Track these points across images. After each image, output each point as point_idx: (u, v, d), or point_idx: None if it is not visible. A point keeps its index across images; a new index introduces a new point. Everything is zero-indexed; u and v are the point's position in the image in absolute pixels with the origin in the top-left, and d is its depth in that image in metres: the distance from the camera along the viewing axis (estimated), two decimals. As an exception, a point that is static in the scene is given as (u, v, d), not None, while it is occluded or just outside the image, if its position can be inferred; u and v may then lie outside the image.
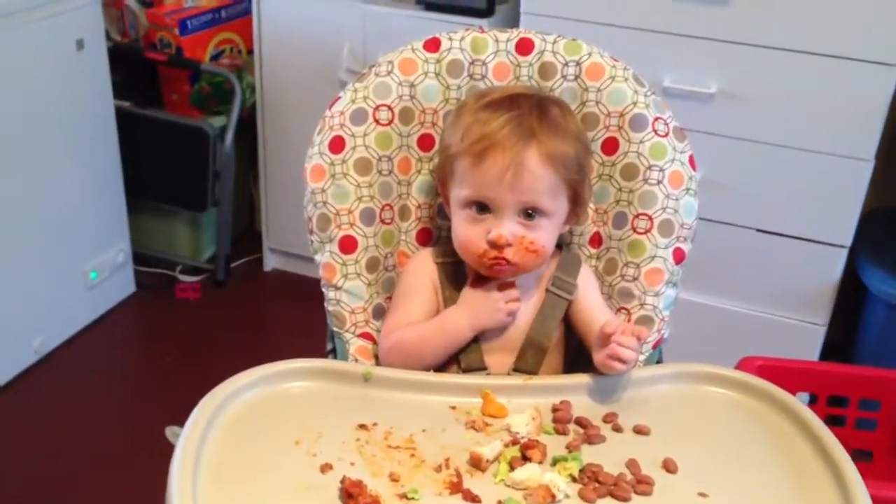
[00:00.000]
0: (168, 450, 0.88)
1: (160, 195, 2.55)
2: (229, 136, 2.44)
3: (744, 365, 1.59)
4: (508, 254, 1.07)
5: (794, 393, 1.06)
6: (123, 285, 2.48)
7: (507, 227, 1.07)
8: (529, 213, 1.08)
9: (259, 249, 2.67)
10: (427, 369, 1.11)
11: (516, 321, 1.14)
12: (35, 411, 2.05)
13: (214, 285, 2.57)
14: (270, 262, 2.68)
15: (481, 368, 1.12)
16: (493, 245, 1.07)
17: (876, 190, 1.95)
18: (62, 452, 1.92)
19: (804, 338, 1.99)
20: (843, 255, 1.92)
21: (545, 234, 1.09)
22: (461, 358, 1.12)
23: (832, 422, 1.59)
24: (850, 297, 2.02)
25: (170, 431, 1.90)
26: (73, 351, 2.27)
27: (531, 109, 1.08)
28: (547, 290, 1.15)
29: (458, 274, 1.16)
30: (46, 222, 2.17)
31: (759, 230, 1.96)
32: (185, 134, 2.45)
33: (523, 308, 1.14)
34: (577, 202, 1.13)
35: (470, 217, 1.09)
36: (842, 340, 2.10)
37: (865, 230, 1.96)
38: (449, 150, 1.11)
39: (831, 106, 1.82)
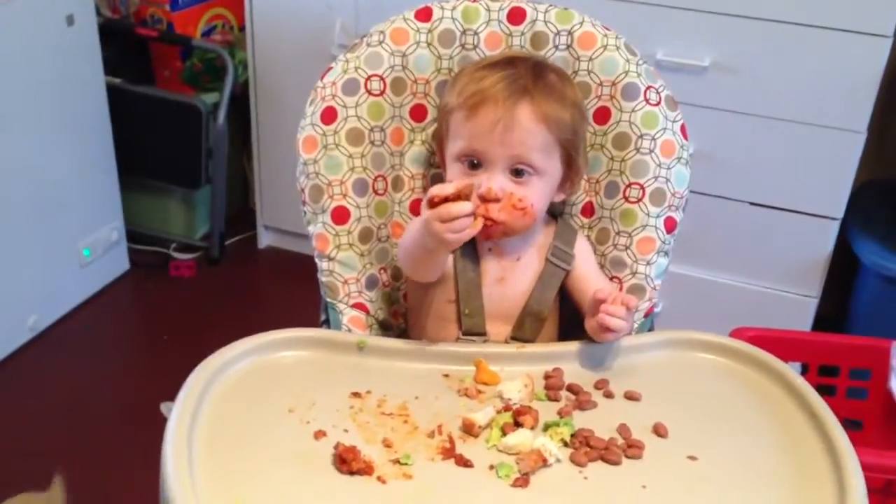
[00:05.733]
0: (164, 426, 0.88)
1: (153, 173, 2.53)
2: (222, 113, 2.43)
3: (735, 335, 1.59)
4: (493, 211, 1.07)
5: (785, 362, 1.07)
6: (117, 263, 2.47)
7: (497, 182, 1.07)
8: (520, 170, 1.08)
9: (253, 227, 2.66)
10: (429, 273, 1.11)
11: (515, 290, 1.15)
12: (30, 389, 2.05)
13: (209, 263, 2.57)
14: (265, 240, 2.68)
15: (481, 333, 1.13)
16: (483, 199, 1.07)
17: (868, 162, 1.95)
18: (57, 430, 1.92)
19: (796, 310, 2.00)
20: (835, 227, 1.92)
21: (534, 193, 1.09)
22: (463, 320, 1.12)
23: (823, 391, 1.59)
24: (842, 270, 2.02)
25: (164, 407, 1.90)
26: (67, 328, 2.26)
27: (527, 70, 1.10)
28: (547, 260, 1.16)
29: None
30: (39, 200, 2.16)
31: (751, 203, 1.97)
32: (177, 111, 2.43)
33: (523, 277, 1.15)
34: (571, 166, 1.13)
35: (461, 172, 1.10)
36: (833, 313, 2.11)
37: (857, 202, 1.96)
38: (445, 108, 1.13)
39: (824, 78, 1.82)
